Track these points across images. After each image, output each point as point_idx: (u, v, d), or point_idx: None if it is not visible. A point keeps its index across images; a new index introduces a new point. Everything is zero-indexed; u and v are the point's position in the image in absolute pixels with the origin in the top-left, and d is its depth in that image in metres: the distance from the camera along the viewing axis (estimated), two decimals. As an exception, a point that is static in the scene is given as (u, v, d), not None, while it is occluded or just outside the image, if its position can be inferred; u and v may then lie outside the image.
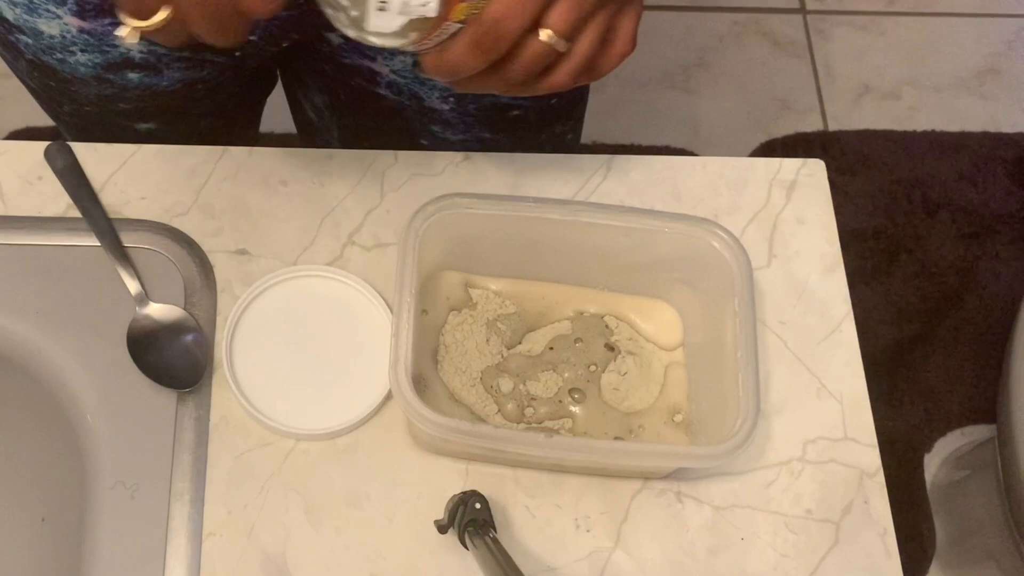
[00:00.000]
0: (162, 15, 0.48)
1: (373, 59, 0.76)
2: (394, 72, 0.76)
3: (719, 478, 0.66)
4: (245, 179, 0.73)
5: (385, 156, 0.75)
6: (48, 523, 0.73)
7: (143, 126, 0.81)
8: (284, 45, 0.74)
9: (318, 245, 0.71)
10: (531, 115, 0.81)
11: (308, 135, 0.92)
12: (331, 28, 0.73)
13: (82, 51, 0.72)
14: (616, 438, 0.66)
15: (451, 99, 0.77)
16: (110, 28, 0.70)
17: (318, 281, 0.70)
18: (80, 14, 0.69)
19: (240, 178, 0.73)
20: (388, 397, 0.66)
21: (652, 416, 0.67)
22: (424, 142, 0.81)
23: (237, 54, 0.75)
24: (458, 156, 0.75)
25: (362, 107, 0.81)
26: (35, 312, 0.68)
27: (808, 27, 1.90)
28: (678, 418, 0.67)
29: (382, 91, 0.78)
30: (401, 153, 0.75)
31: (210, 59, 0.75)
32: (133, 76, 0.74)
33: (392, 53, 0.75)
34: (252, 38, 0.72)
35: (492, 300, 0.70)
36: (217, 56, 0.74)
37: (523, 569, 0.55)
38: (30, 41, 0.72)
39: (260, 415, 0.65)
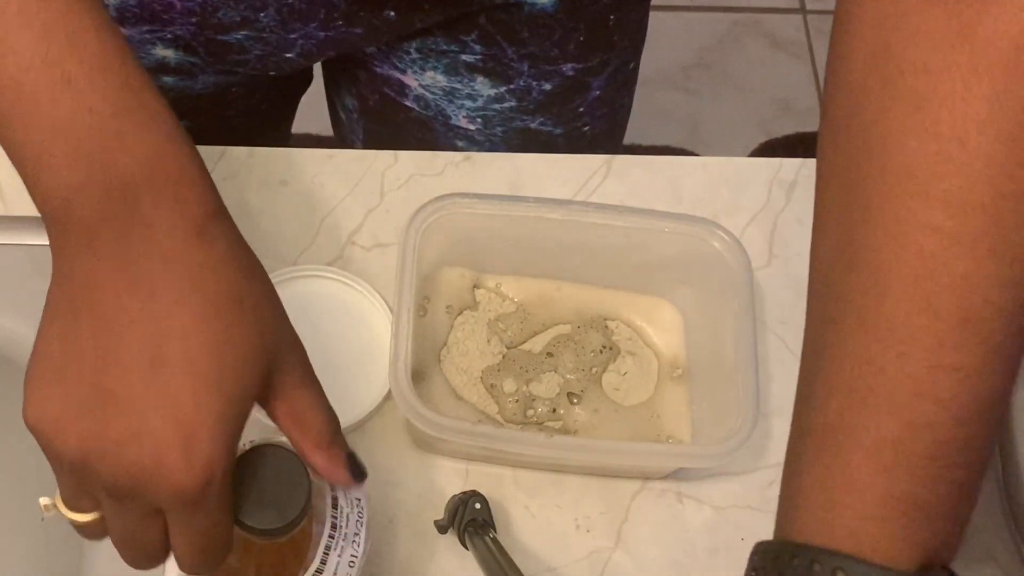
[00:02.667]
0: (87, 518, 0.46)
1: (404, 72, 0.75)
2: (423, 87, 0.76)
3: (719, 478, 0.66)
4: (245, 179, 0.73)
5: (385, 156, 0.75)
6: (48, 523, 0.73)
7: None
8: (320, 60, 0.74)
9: (318, 245, 0.71)
10: (560, 140, 0.80)
11: (338, 132, 0.92)
12: (368, 43, 0.73)
13: None
14: (616, 438, 0.66)
15: (478, 119, 0.77)
16: (148, 36, 0.70)
17: (318, 281, 0.70)
18: (120, 21, 0.69)
19: (240, 178, 0.73)
20: (388, 397, 0.66)
21: (652, 415, 0.67)
22: None
23: (272, 74, 0.75)
24: (458, 156, 0.75)
25: (389, 116, 0.81)
26: (35, 312, 0.67)
27: (808, 27, 1.90)
28: (676, 427, 0.67)
29: (409, 103, 0.78)
30: (401, 153, 0.75)
31: (243, 71, 0.75)
32: (167, 79, 0.74)
33: (422, 68, 0.75)
34: (288, 55, 0.72)
35: (493, 300, 0.70)
36: (251, 70, 0.74)
37: (523, 569, 0.55)
38: None
39: (260, 415, 0.65)
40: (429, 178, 0.74)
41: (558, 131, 0.79)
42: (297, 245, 0.71)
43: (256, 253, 0.70)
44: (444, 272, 0.69)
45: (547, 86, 0.75)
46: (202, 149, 0.73)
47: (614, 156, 0.76)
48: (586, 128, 0.80)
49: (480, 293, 0.70)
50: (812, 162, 0.77)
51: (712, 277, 0.66)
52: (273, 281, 0.69)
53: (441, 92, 0.76)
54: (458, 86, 0.75)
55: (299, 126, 0.97)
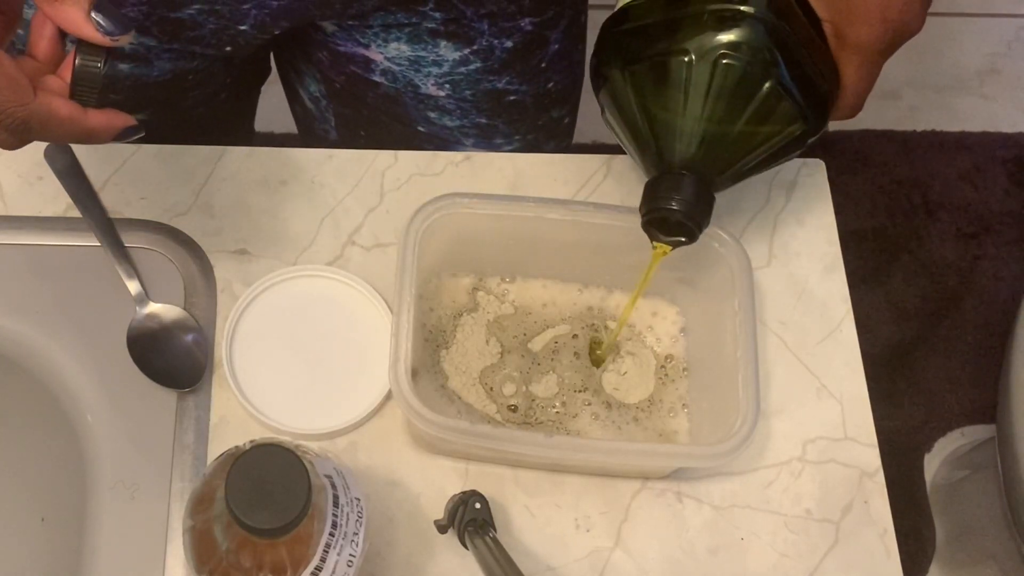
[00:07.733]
0: None
1: (367, 47, 0.76)
2: (388, 59, 0.76)
3: (719, 478, 0.66)
4: (245, 179, 0.73)
5: (385, 156, 0.75)
6: (48, 523, 0.73)
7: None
8: (276, 33, 0.74)
9: (318, 245, 0.71)
10: (528, 100, 0.81)
11: (306, 125, 0.92)
12: (324, 16, 0.73)
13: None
14: (616, 438, 0.66)
15: (447, 85, 0.78)
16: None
17: (318, 281, 0.70)
18: None
19: (240, 178, 0.73)
20: (388, 397, 0.66)
21: (652, 415, 0.67)
22: (421, 128, 0.81)
23: (228, 49, 0.75)
24: (458, 156, 0.75)
25: (358, 95, 0.81)
26: (35, 312, 0.68)
27: (808, 27, 1.90)
28: (677, 420, 0.68)
29: (377, 78, 0.78)
30: (401, 153, 0.75)
31: (200, 52, 0.75)
32: (123, 67, 0.74)
33: (386, 40, 0.75)
34: (243, 27, 0.72)
35: (492, 301, 0.70)
36: (206, 48, 0.74)
37: (523, 569, 0.56)
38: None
39: (260, 415, 0.65)
40: (429, 178, 0.74)
41: (524, 88, 0.80)
42: (297, 245, 0.71)
43: (256, 253, 0.71)
44: (444, 272, 0.69)
45: (508, 43, 0.76)
46: (202, 149, 0.74)
47: (614, 156, 0.76)
48: (551, 84, 0.81)
49: (480, 294, 0.70)
50: (812, 162, 0.77)
51: (712, 277, 0.66)
52: (273, 281, 0.70)
53: (407, 62, 0.76)
54: (423, 54, 0.76)
55: (274, 126, 0.96)
